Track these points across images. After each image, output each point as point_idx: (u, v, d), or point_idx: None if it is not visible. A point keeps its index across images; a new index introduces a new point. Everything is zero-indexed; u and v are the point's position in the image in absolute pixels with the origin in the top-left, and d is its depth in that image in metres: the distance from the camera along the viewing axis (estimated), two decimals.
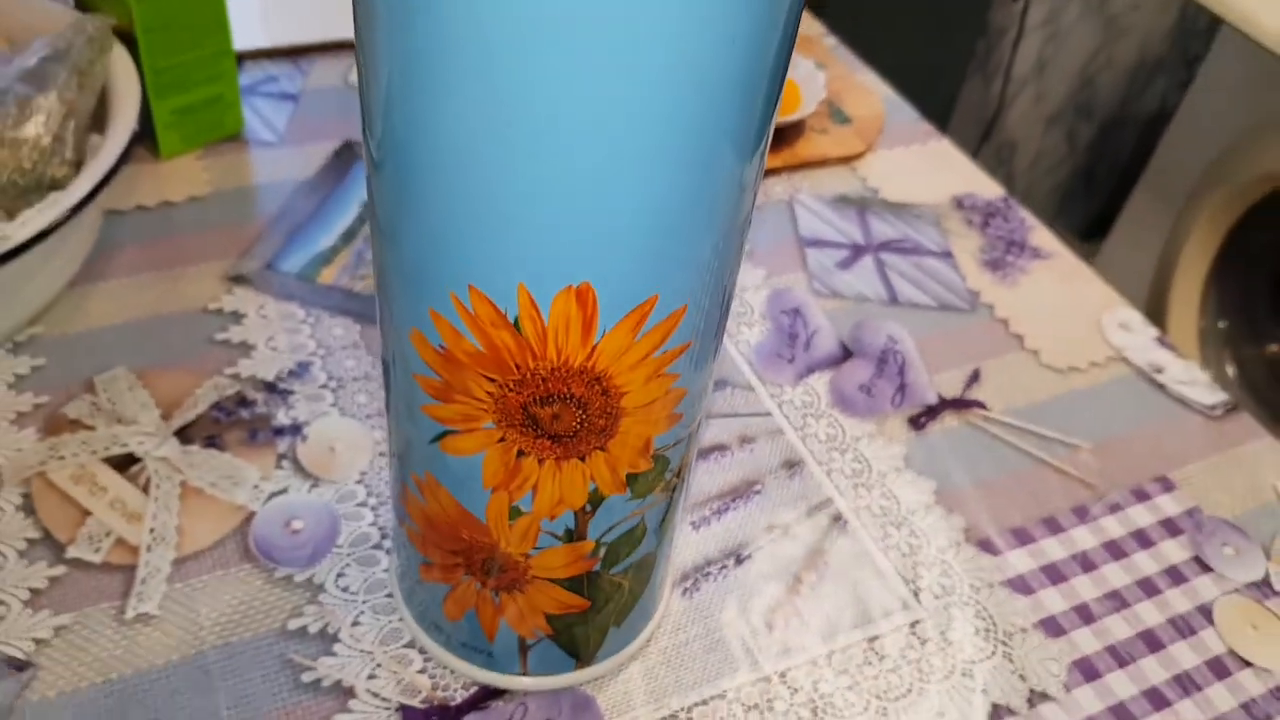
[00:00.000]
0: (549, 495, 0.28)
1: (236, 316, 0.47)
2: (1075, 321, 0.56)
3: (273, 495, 0.40)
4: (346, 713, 0.34)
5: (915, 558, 0.43)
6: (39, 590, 0.36)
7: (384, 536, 0.40)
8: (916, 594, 0.41)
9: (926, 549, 0.43)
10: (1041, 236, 0.62)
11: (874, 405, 0.49)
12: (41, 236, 0.39)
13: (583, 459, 0.27)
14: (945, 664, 0.39)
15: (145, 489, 0.40)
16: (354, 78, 0.64)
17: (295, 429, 0.43)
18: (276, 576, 0.38)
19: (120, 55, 0.48)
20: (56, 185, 0.42)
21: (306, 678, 0.35)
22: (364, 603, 0.37)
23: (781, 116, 0.63)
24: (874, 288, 0.56)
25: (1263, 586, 0.44)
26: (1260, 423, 0.53)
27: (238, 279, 0.49)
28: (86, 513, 0.38)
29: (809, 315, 0.54)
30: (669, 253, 0.23)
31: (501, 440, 0.27)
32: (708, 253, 0.24)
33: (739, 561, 0.41)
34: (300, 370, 0.45)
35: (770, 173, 0.64)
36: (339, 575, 0.38)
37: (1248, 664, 0.41)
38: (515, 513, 0.29)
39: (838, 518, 0.44)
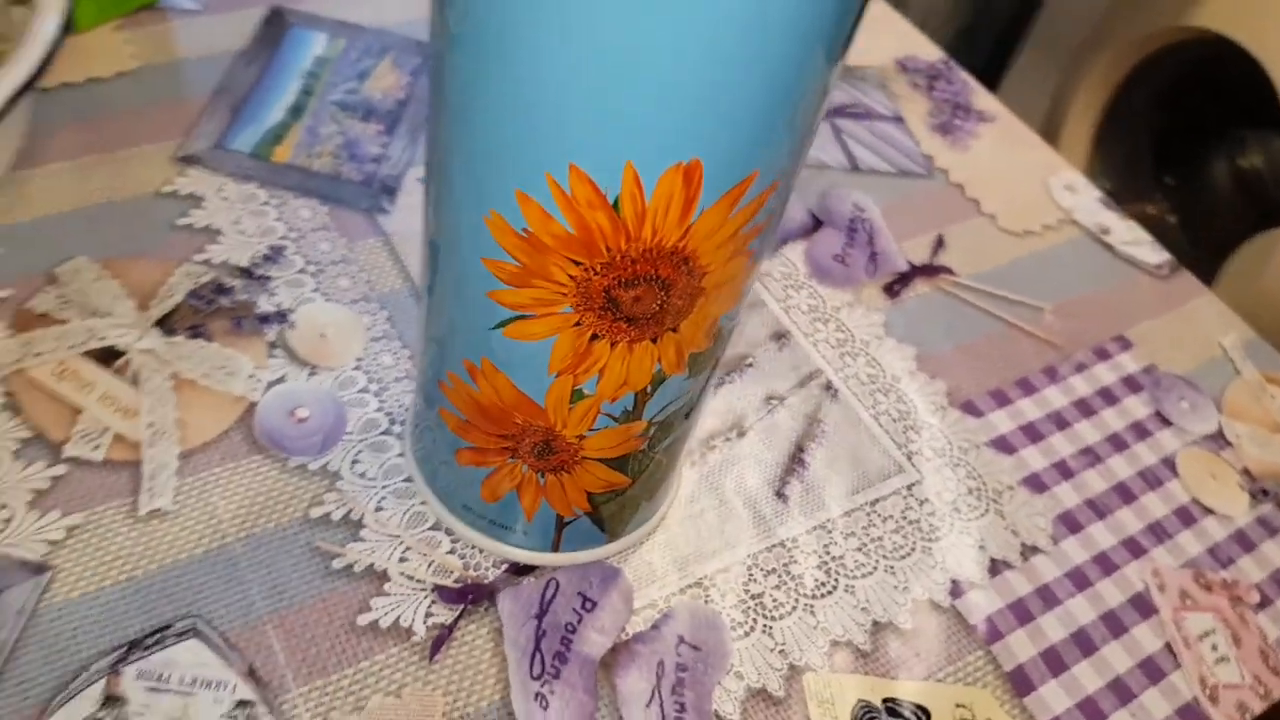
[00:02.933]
0: (615, 378, 0.28)
1: (195, 200, 0.44)
2: (1025, 185, 0.58)
3: (271, 384, 0.39)
4: (382, 595, 0.34)
5: (905, 422, 0.44)
6: (43, 491, 0.34)
7: (393, 422, 0.39)
8: (910, 457, 0.43)
9: (914, 413, 0.45)
10: (984, 99, 0.63)
11: (849, 275, 0.50)
12: None
13: (654, 340, 0.27)
14: (944, 523, 0.41)
15: (135, 383, 0.37)
16: None
17: (281, 316, 0.41)
18: (290, 466, 0.37)
19: None
20: None
21: (337, 564, 0.35)
22: (384, 487, 0.37)
23: None
24: (834, 155, 0.57)
25: (1217, 439, 0.48)
26: None
27: (188, 159, 0.46)
28: (77, 410, 0.36)
29: None
30: (775, 126, 0.23)
31: (577, 324, 0.26)
32: (804, 127, 0.24)
33: (741, 434, 0.42)
34: (274, 255, 0.43)
35: None
36: (354, 462, 0.37)
37: (1210, 511, 0.45)
38: (578, 396, 0.28)
39: (828, 386, 0.45)
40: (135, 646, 0.31)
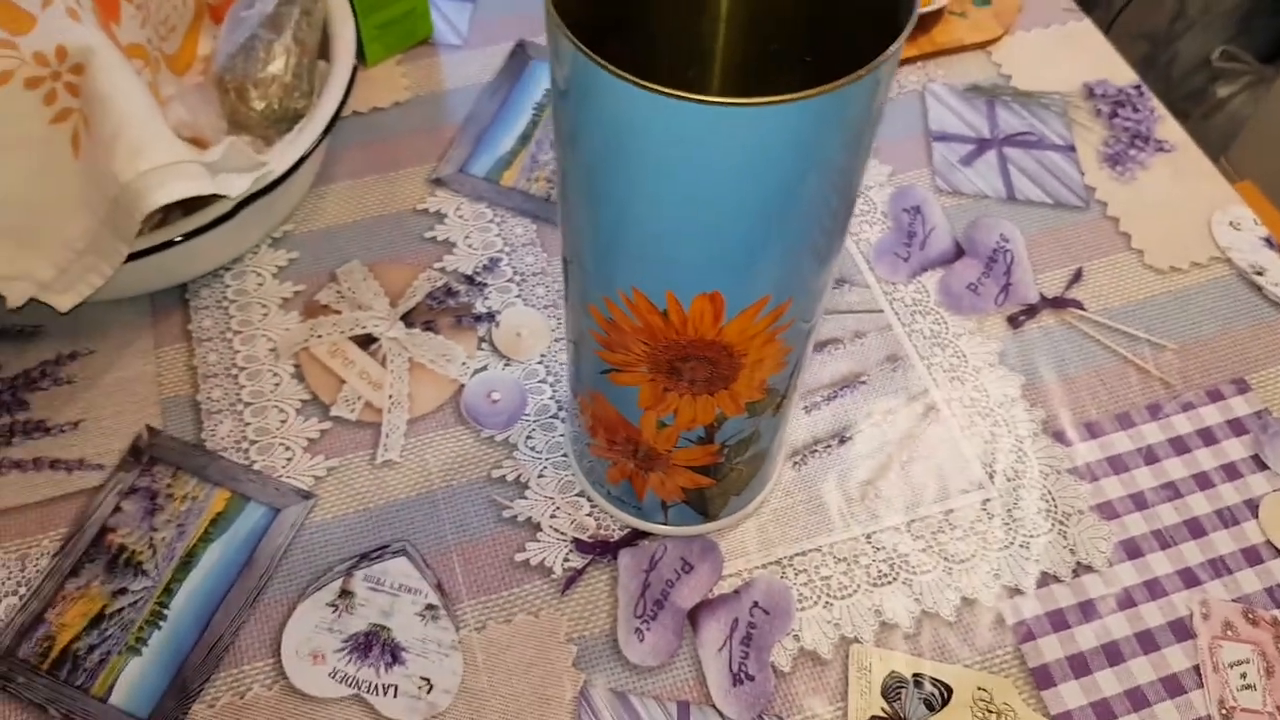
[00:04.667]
0: (686, 416, 0.38)
1: (440, 216, 0.58)
2: (1186, 219, 0.60)
3: (476, 371, 0.52)
4: (535, 541, 0.47)
5: (995, 445, 0.51)
6: (314, 440, 0.49)
7: (560, 409, 0.51)
8: (991, 476, 0.50)
9: (1006, 438, 0.51)
10: (1169, 129, 0.65)
11: (978, 304, 0.56)
12: (300, 162, 0.49)
13: (712, 394, 0.37)
14: (1007, 536, 0.48)
15: (383, 363, 0.51)
16: None
17: (490, 316, 0.54)
18: (482, 436, 0.50)
19: None
20: (299, 115, 0.52)
21: (506, 514, 0.47)
22: (546, 460, 0.49)
23: (921, 6, 0.67)
24: (993, 184, 0.62)
25: None
26: None
27: (438, 182, 0.59)
28: (342, 381, 0.51)
29: (928, 213, 0.60)
30: (779, 274, 0.32)
31: (652, 380, 0.36)
32: (808, 271, 0.32)
33: (842, 442, 0.51)
34: (491, 265, 0.56)
35: (905, 61, 0.68)
36: (528, 437, 0.50)
37: None
38: (661, 425, 0.39)
39: (932, 407, 0.52)
40: (364, 558, 0.45)
